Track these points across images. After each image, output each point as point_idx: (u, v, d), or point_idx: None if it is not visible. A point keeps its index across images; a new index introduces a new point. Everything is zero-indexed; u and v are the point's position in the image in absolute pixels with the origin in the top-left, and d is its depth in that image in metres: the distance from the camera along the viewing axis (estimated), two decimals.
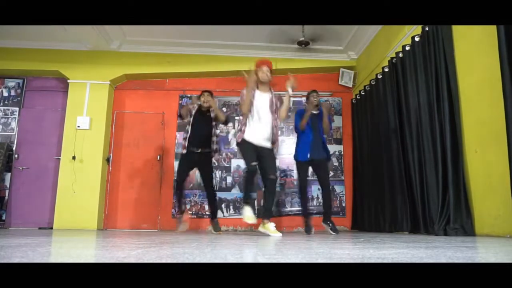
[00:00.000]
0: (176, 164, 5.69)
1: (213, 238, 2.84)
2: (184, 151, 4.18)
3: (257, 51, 5.87)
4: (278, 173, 5.31)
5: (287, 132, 5.94)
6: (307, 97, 4.38)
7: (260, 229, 3.43)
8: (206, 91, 4.37)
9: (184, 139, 4.23)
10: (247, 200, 3.50)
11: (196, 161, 4.21)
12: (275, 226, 3.38)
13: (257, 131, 3.47)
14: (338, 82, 6.02)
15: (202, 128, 4.22)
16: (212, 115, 4.31)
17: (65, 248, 1.73)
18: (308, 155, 4.14)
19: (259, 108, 3.49)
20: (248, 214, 3.38)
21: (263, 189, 3.77)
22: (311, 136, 4.18)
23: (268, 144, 3.51)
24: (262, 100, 3.53)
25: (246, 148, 3.45)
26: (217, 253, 1.45)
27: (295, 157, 4.31)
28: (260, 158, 3.46)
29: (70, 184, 5.33)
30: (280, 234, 3.31)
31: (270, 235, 3.26)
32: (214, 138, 4.31)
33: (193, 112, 4.27)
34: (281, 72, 6.05)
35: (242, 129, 3.50)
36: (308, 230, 4.16)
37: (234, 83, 6.08)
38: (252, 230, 4.92)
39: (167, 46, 5.79)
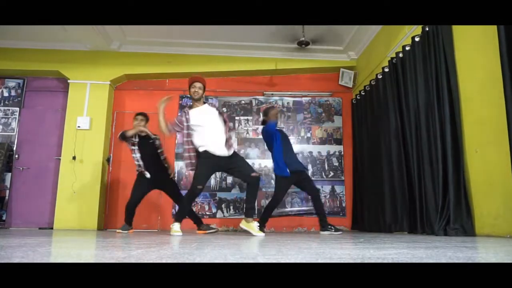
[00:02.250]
0: (176, 164, 5.70)
1: (213, 238, 2.84)
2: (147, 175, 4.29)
3: (257, 51, 5.88)
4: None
5: (287, 132, 5.93)
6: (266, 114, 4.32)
7: (243, 226, 3.47)
8: (139, 114, 4.49)
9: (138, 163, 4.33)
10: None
11: (158, 180, 4.35)
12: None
13: (217, 142, 3.53)
14: (338, 82, 6.02)
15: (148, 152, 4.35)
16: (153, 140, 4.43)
17: (65, 248, 1.73)
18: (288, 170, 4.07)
19: (209, 121, 3.57)
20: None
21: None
22: (285, 152, 4.14)
23: (229, 152, 3.56)
24: (206, 114, 3.61)
25: (206, 166, 3.53)
26: (217, 253, 1.45)
27: (283, 172, 4.08)
28: (230, 167, 3.56)
29: (70, 184, 5.33)
30: (263, 234, 3.35)
31: (253, 235, 3.32)
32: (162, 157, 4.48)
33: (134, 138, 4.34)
34: (281, 72, 6.08)
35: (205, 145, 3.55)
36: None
37: (234, 83, 6.08)
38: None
39: (167, 46, 5.79)
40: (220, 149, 3.52)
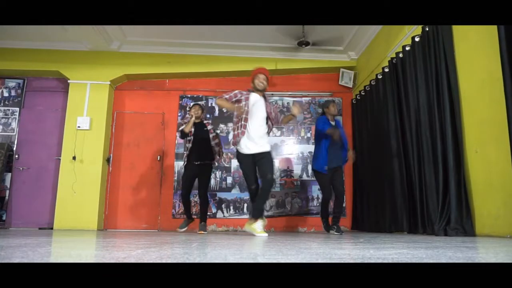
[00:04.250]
0: (176, 164, 5.70)
1: (213, 238, 2.84)
2: (185, 163, 4.43)
3: (257, 51, 5.88)
4: (277, 174, 5.35)
5: (287, 132, 5.94)
6: (327, 107, 4.33)
7: (245, 228, 3.41)
8: (196, 104, 4.64)
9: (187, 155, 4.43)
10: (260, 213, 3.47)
11: (197, 171, 4.41)
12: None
13: (255, 137, 3.46)
14: (338, 82, 6.02)
15: (201, 141, 4.43)
16: (209, 127, 4.54)
17: (65, 248, 1.73)
18: (326, 167, 4.12)
19: (257, 113, 3.51)
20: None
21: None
22: (327, 145, 4.14)
23: (265, 148, 3.50)
24: (259, 105, 3.55)
25: (246, 167, 3.52)
26: (217, 253, 1.45)
27: (316, 167, 4.22)
28: (257, 161, 3.49)
29: (70, 184, 5.33)
30: (266, 234, 3.24)
31: (255, 235, 3.22)
32: (213, 144, 4.52)
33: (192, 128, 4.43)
34: (281, 72, 6.08)
35: (239, 133, 3.50)
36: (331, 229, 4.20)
37: (234, 83, 6.07)
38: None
39: (167, 46, 5.79)
40: (250, 148, 3.46)
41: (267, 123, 3.58)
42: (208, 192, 4.55)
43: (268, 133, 3.63)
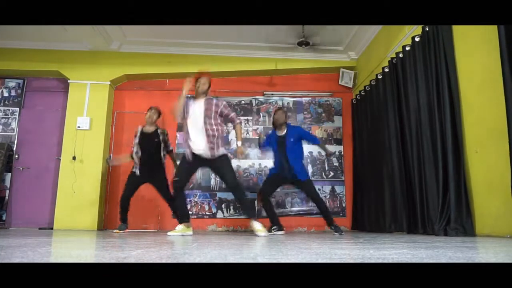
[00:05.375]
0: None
1: (213, 238, 2.84)
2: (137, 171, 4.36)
3: (257, 51, 5.88)
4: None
5: None
6: (272, 115, 4.37)
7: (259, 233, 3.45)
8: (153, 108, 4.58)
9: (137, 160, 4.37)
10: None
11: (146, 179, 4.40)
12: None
13: (197, 141, 3.53)
14: (338, 82, 6.02)
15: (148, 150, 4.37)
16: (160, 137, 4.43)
17: (65, 248, 1.73)
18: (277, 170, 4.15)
19: (195, 119, 3.58)
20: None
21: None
22: (277, 157, 4.14)
23: (214, 153, 3.52)
24: (197, 110, 3.61)
25: (182, 164, 3.62)
26: (217, 253, 1.45)
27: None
28: (213, 170, 3.65)
29: (70, 184, 5.33)
30: (264, 234, 3.35)
31: (257, 235, 3.32)
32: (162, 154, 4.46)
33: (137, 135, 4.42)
34: (281, 72, 6.08)
35: (187, 140, 3.59)
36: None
37: (234, 83, 6.08)
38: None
39: (167, 46, 5.79)
40: (198, 150, 3.52)
41: (210, 125, 3.57)
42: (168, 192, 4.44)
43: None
